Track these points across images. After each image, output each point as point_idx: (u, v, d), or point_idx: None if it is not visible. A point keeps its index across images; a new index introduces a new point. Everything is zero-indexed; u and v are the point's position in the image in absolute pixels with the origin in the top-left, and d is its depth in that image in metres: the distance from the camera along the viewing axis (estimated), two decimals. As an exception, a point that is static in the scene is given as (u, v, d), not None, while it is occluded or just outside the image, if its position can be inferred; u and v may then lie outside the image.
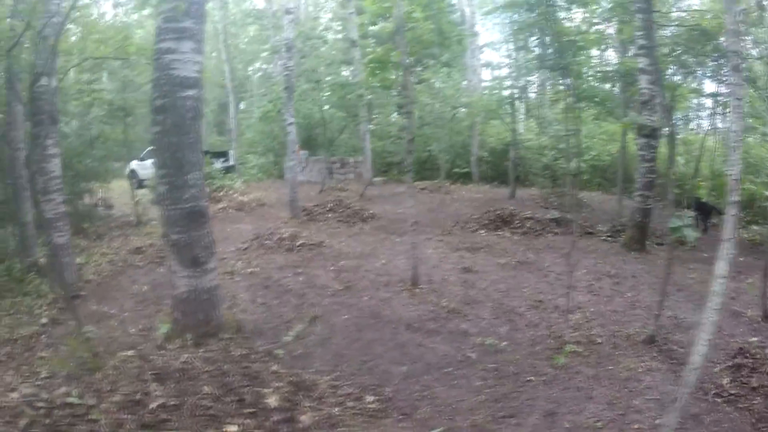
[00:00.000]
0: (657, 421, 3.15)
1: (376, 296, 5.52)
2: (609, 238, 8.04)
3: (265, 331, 4.60)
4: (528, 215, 8.90)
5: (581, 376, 3.82)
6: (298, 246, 7.43)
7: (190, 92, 3.99)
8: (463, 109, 13.98)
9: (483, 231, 8.67)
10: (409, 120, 5.76)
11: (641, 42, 7.23)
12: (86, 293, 5.89)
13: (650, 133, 7.16)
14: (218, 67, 17.53)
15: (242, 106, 23.06)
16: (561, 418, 3.28)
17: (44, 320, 5.06)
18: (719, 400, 3.47)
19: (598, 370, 3.93)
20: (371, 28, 6.52)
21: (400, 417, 3.29)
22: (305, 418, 2.96)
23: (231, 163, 16.13)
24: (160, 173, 4.08)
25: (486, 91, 14.72)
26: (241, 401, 3.04)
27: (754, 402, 3.39)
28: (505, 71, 20.56)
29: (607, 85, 10.72)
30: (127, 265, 6.96)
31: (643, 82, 7.25)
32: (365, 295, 5.57)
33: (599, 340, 4.44)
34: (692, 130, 14.38)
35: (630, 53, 9.46)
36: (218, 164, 14.08)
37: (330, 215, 9.77)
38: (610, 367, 3.97)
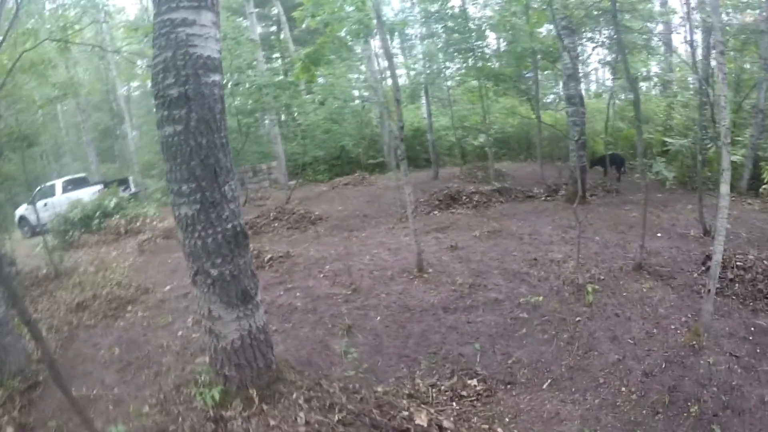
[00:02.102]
0: (696, 311, 4.23)
1: (391, 290, 5.76)
2: (548, 198, 9.49)
3: (312, 359, 4.38)
4: (472, 190, 9.94)
5: (610, 306, 4.87)
6: (268, 261, 7.28)
7: (216, 77, 3.30)
8: (366, 102, 14.75)
9: (436, 211, 9.47)
10: (397, 110, 6.09)
11: (564, 23, 8.58)
12: (44, 377, 4.66)
13: (578, 102, 8.62)
14: (94, 87, 15.96)
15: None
16: (622, 338, 4.29)
17: (9, 430, 3.90)
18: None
19: (618, 298, 5.02)
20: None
21: (508, 387, 3.83)
22: (447, 423, 3.21)
23: (133, 190, 15.25)
24: (183, 189, 3.24)
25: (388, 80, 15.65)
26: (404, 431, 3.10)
27: (735, 289, 4.85)
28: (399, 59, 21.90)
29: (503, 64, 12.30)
30: (74, 328, 6.02)
31: (567, 57, 8.67)
32: (380, 292, 5.75)
33: (602, 277, 5.53)
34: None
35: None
36: (120, 193, 13.18)
37: (276, 224, 9.66)
38: (624, 294, 5.10)
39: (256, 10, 14.24)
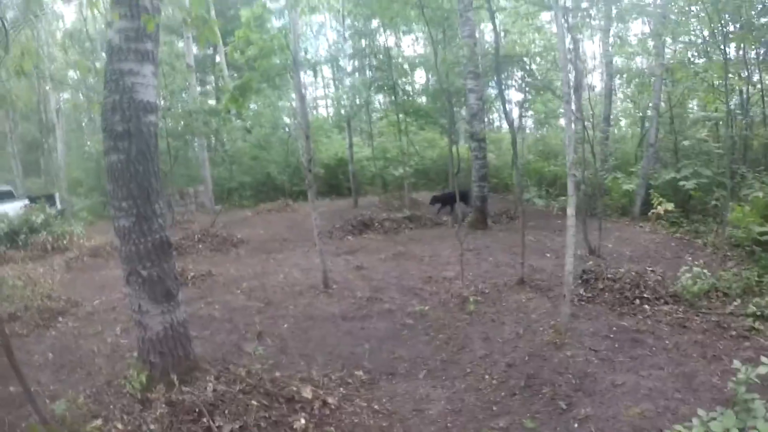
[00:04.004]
0: (557, 320, 5.01)
1: (299, 303, 6.36)
2: (455, 225, 10.35)
3: (226, 358, 4.83)
4: (384, 217, 10.70)
5: (489, 313, 5.62)
6: (191, 279, 7.65)
7: (152, 118, 4.08)
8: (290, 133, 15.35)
9: (350, 236, 10.13)
10: (306, 144, 6.68)
11: (470, 68, 9.67)
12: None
13: (481, 138, 9.71)
14: (30, 97, 15.46)
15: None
16: (493, 339, 5.00)
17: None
18: (583, 302, 5.62)
19: (497, 307, 5.78)
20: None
21: (389, 377, 4.44)
22: (331, 400, 3.86)
23: (59, 207, 14.82)
24: (123, 205, 3.98)
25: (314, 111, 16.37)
26: (290, 401, 3.68)
27: (604, 297, 5.71)
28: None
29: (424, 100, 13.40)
30: (7, 337, 6.07)
31: (472, 98, 9.79)
32: (288, 305, 6.34)
33: (487, 291, 6.33)
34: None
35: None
36: (47, 209, 12.80)
37: (201, 246, 10.02)
38: (504, 304, 5.88)
39: (190, 35, 14.54)
